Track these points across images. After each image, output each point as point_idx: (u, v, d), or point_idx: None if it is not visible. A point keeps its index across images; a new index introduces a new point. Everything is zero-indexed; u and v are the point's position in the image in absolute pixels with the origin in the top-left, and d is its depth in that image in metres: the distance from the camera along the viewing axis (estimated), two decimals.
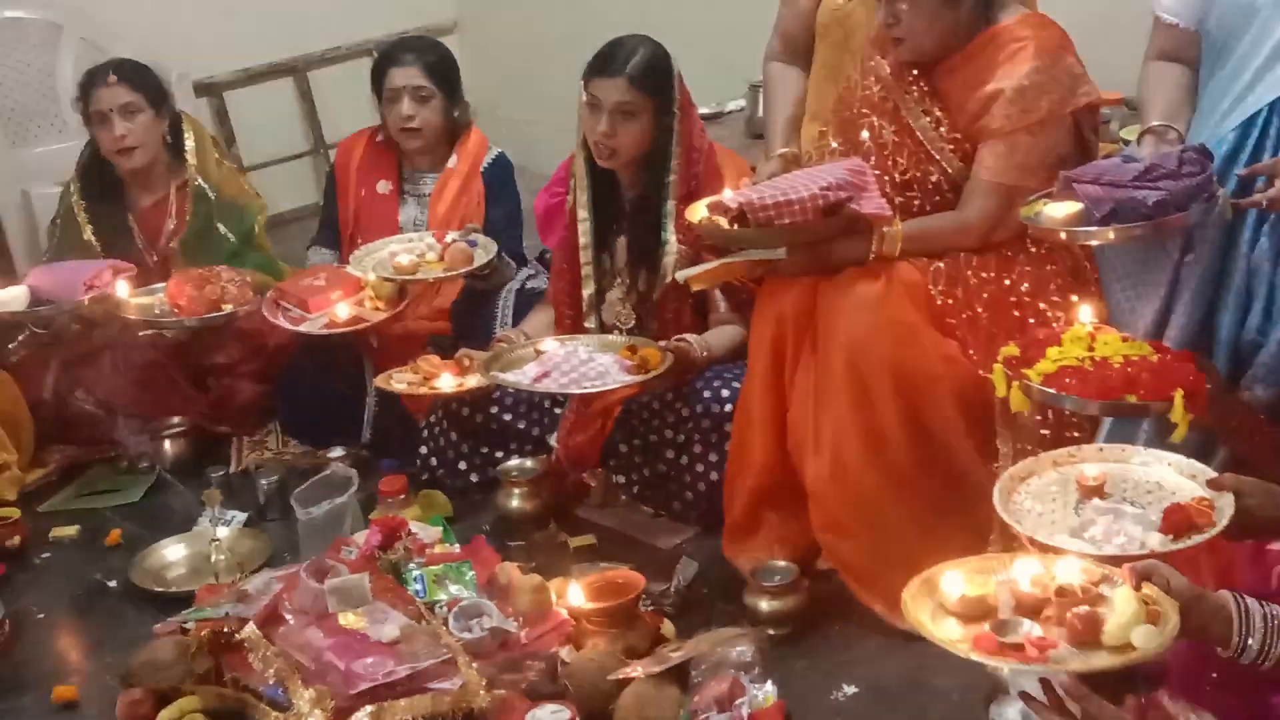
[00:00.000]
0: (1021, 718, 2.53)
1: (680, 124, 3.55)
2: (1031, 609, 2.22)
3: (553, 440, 3.74)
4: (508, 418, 3.80)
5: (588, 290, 3.70)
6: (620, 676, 2.79)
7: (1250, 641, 2.07)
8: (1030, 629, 2.16)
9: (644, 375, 3.35)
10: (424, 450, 3.87)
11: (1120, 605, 2.14)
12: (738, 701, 2.64)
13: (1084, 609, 2.14)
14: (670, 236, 3.57)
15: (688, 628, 3.05)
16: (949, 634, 2.19)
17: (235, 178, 4.58)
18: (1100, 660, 2.09)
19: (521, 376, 3.41)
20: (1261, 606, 2.10)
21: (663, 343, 3.47)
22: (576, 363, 3.42)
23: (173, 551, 3.63)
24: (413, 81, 4.20)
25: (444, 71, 4.25)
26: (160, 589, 3.47)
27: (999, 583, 2.27)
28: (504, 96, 6.35)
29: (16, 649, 3.33)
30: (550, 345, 3.52)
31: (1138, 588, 2.13)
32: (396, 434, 4.06)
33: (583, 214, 3.69)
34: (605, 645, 2.91)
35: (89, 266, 4.10)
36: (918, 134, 3.17)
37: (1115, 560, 2.25)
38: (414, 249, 4.07)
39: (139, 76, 4.28)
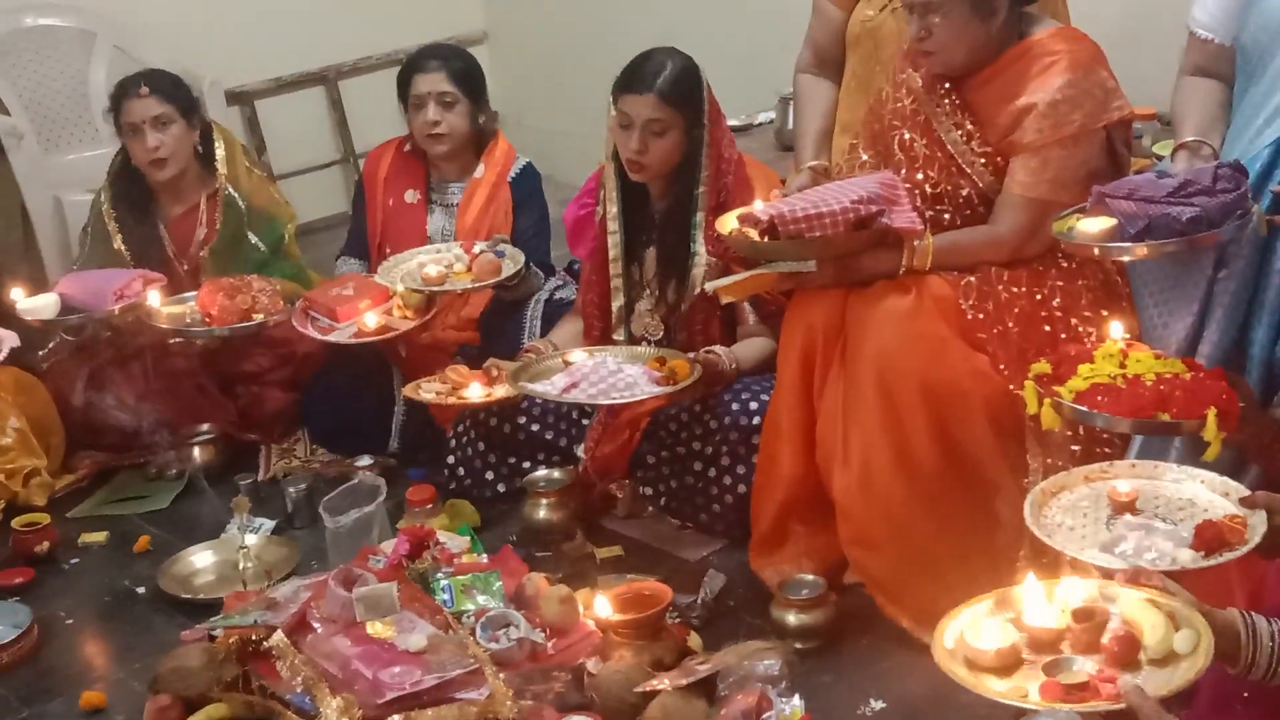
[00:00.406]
0: None
1: (710, 135, 3.55)
2: (1050, 644, 2.17)
3: (580, 451, 3.74)
4: (535, 428, 3.80)
5: (617, 303, 3.70)
6: (647, 688, 2.77)
7: (1259, 659, 2.06)
8: (1084, 664, 2.12)
9: (672, 387, 3.34)
10: (451, 460, 3.88)
11: (1142, 616, 2.13)
12: (765, 715, 2.62)
13: (1120, 629, 2.12)
14: (699, 248, 3.57)
15: (714, 640, 3.03)
16: (1005, 689, 2.12)
17: (266, 187, 4.59)
18: (1179, 677, 2.04)
19: (550, 387, 3.41)
20: (1269, 624, 2.09)
21: (691, 354, 3.46)
22: (605, 374, 3.42)
23: (201, 559, 3.64)
24: (438, 87, 4.21)
25: (469, 78, 4.26)
26: (188, 596, 3.49)
27: (1008, 623, 2.21)
28: (532, 106, 6.38)
29: (45, 654, 3.35)
30: (579, 356, 3.52)
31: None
32: (424, 444, 4.07)
33: (613, 226, 3.69)
34: (632, 657, 2.90)
35: (119, 275, 4.12)
36: (949, 147, 3.17)
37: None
38: (442, 260, 4.08)
39: (171, 88, 4.31)
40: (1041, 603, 2.22)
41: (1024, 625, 2.20)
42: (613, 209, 3.69)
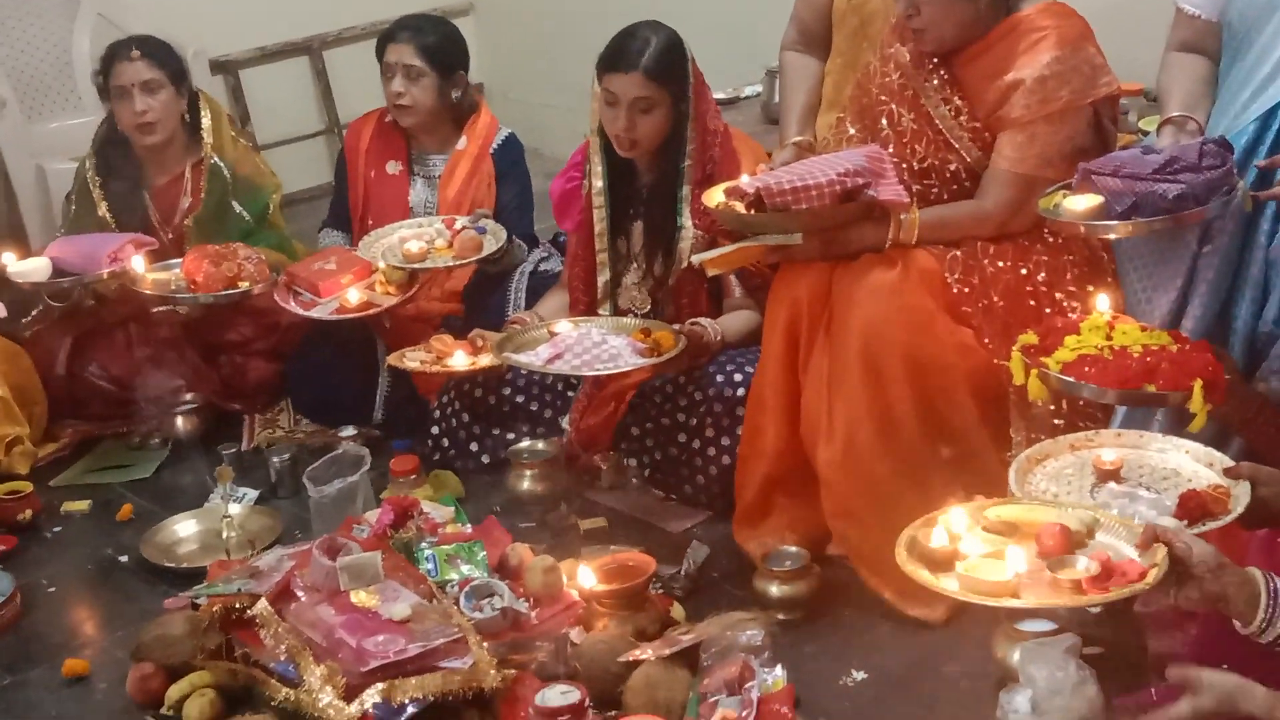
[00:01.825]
0: (1031, 705, 2.53)
1: (695, 109, 3.54)
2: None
3: (565, 422, 3.74)
4: (520, 399, 3.80)
5: (603, 277, 3.70)
6: (630, 658, 2.79)
7: (1276, 619, 2.07)
8: (1088, 563, 2.19)
9: (657, 358, 3.35)
10: (435, 431, 3.88)
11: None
12: (747, 685, 2.63)
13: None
14: (686, 221, 3.57)
15: (697, 611, 3.05)
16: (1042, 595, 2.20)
17: (251, 157, 4.57)
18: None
19: (534, 358, 3.41)
20: None
21: (676, 326, 3.46)
22: (589, 345, 3.42)
23: (184, 527, 3.63)
24: (404, 59, 4.20)
25: (441, 51, 4.24)
26: (171, 564, 3.48)
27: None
28: (518, 79, 6.37)
29: (27, 622, 3.35)
30: (564, 327, 3.52)
31: (1145, 547, 2.15)
32: (408, 415, 4.07)
33: (598, 200, 3.68)
34: (615, 627, 2.92)
35: (112, 239, 4.10)
36: (937, 122, 3.17)
37: None
38: (423, 235, 4.07)
39: (161, 53, 4.28)
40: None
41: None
42: (598, 183, 3.68)
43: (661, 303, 3.67)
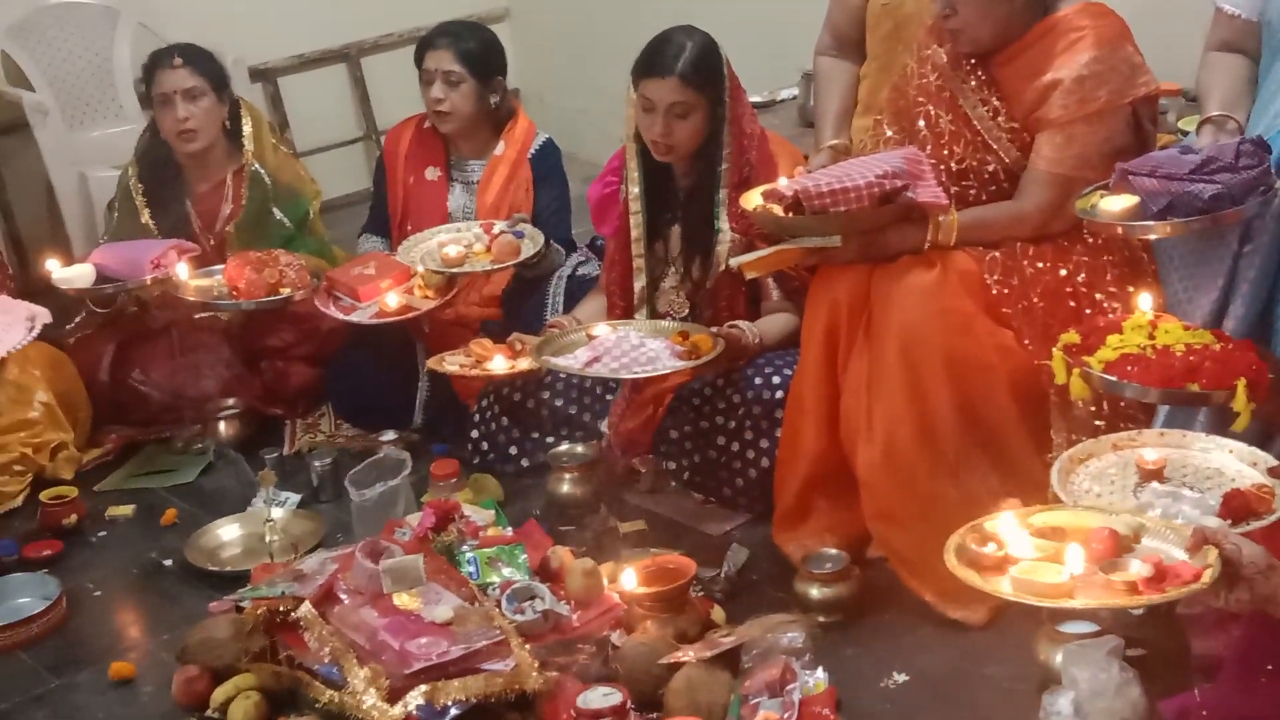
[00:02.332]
0: (1073, 707, 2.52)
1: (731, 112, 3.54)
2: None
3: (603, 426, 3.75)
4: (559, 403, 3.81)
5: (639, 283, 3.70)
6: (671, 661, 2.80)
7: None
8: (1139, 565, 2.20)
9: (694, 361, 3.35)
10: (475, 435, 3.90)
11: None
12: (789, 687, 2.64)
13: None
14: (723, 225, 3.57)
15: (738, 614, 3.05)
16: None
17: (292, 163, 4.60)
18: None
19: (573, 361, 3.42)
20: None
21: (714, 329, 3.47)
22: (627, 348, 3.43)
23: (227, 531, 3.67)
24: (443, 65, 4.22)
25: (478, 57, 4.25)
26: (215, 568, 3.51)
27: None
28: (554, 84, 6.39)
29: (73, 625, 3.38)
30: (602, 330, 3.53)
31: (1194, 549, 2.14)
32: (447, 419, 4.08)
33: (635, 206, 3.69)
34: (656, 630, 2.92)
35: (155, 245, 4.13)
36: (975, 123, 3.17)
37: None
38: (461, 240, 4.09)
39: (203, 61, 4.32)
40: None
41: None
42: (635, 189, 3.68)
43: (700, 306, 3.67)
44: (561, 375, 3.72)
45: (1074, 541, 2.28)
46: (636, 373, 3.37)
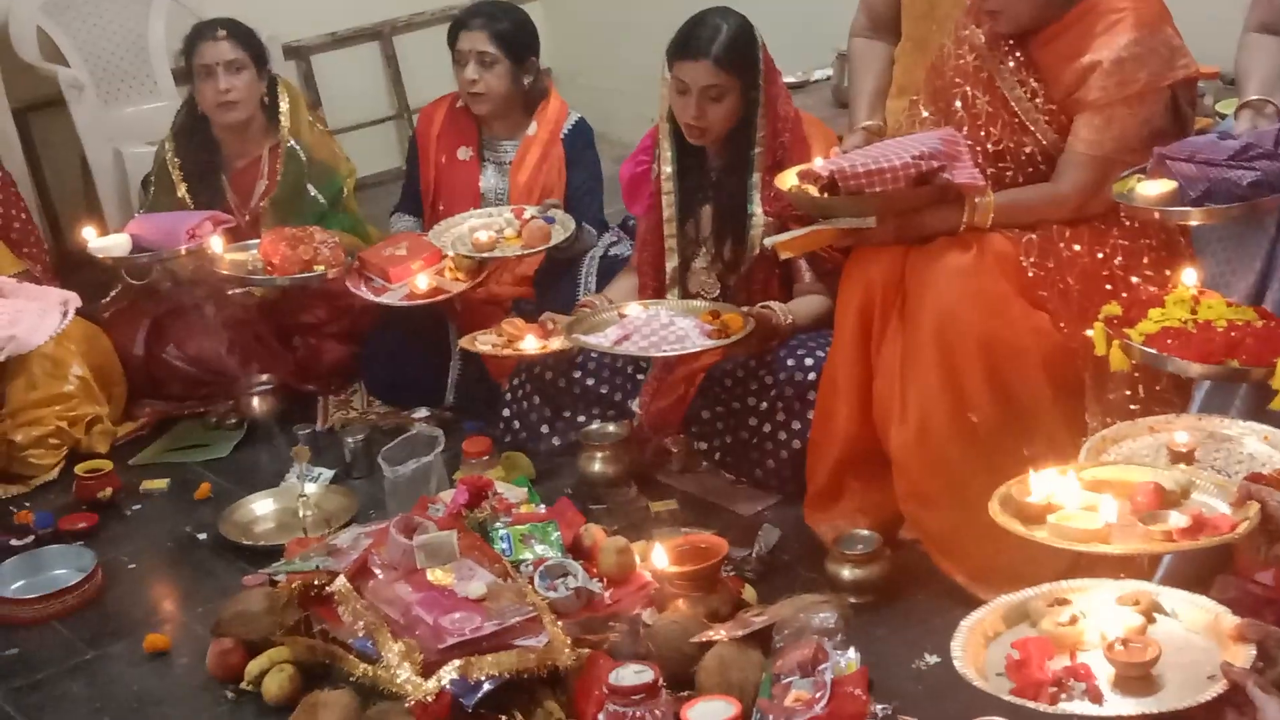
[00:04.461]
0: None
1: (765, 94, 3.54)
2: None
3: (635, 405, 3.76)
4: (590, 382, 3.82)
5: (671, 263, 3.71)
6: (703, 639, 2.81)
7: None
8: (1178, 517, 2.22)
9: (724, 340, 3.35)
10: (506, 413, 3.91)
11: None
12: (821, 667, 2.64)
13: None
14: (756, 208, 3.56)
15: (769, 594, 3.06)
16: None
17: (327, 141, 4.62)
18: None
19: (603, 339, 3.43)
20: None
21: (745, 309, 3.47)
22: (657, 326, 3.44)
23: (261, 506, 3.69)
24: (478, 46, 4.21)
25: (512, 38, 4.25)
26: (249, 542, 3.54)
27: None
28: (586, 64, 6.38)
29: (109, 598, 3.42)
30: (634, 310, 3.54)
31: (1239, 504, 2.16)
32: (479, 397, 4.10)
33: (667, 186, 3.69)
34: (688, 608, 2.93)
35: (191, 216, 4.16)
36: (1012, 104, 3.15)
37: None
38: (492, 224, 4.10)
39: (245, 35, 4.35)
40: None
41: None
42: (667, 169, 3.68)
43: (733, 289, 3.67)
44: (593, 354, 3.73)
45: (1121, 495, 2.30)
46: (666, 351, 3.37)
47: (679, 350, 3.37)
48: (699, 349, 3.37)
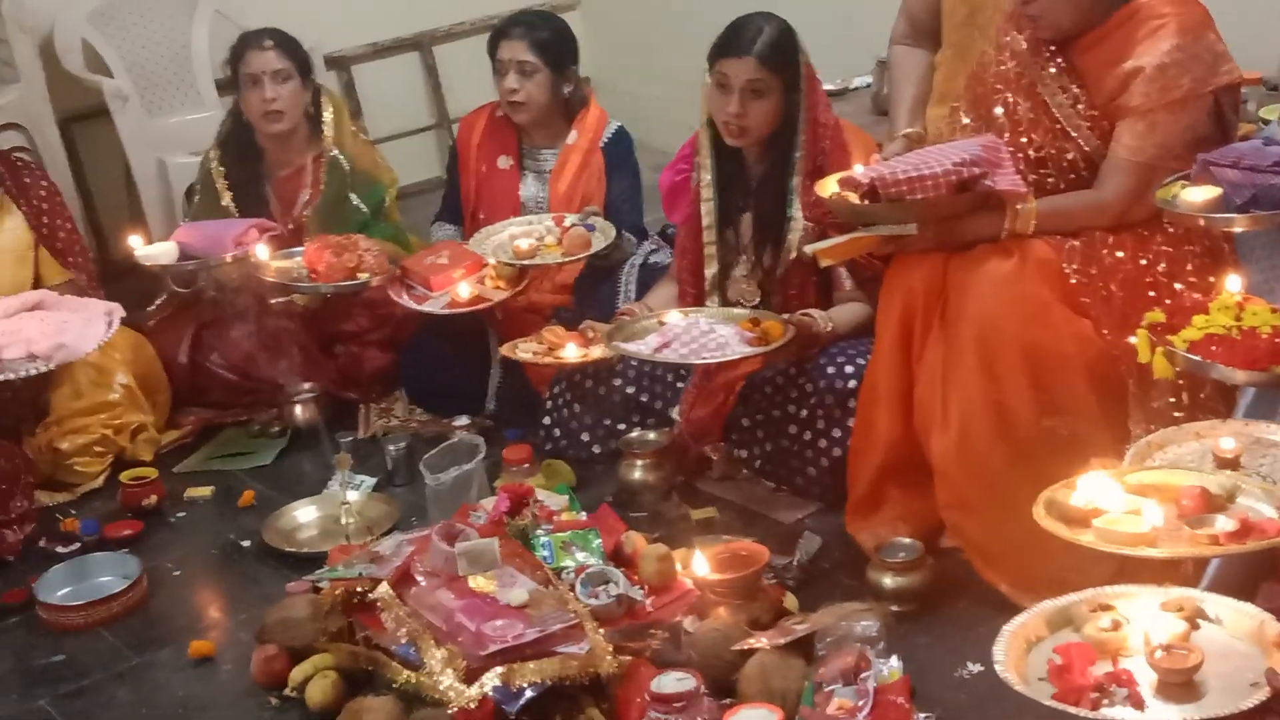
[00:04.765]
0: None
1: (806, 100, 3.55)
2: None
3: (675, 413, 3.76)
4: (630, 390, 3.83)
5: (711, 270, 3.71)
6: (745, 647, 2.81)
7: None
8: (1225, 521, 2.22)
9: (764, 347, 3.35)
10: (547, 421, 3.92)
11: None
12: (863, 675, 2.64)
13: None
14: (796, 212, 3.57)
15: (810, 602, 3.05)
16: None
17: (369, 150, 4.65)
18: None
19: (643, 347, 3.44)
20: None
21: (786, 316, 3.47)
22: (696, 334, 3.44)
23: (304, 513, 3.72)
24: (518, 55, 4.23)
25: (552, 47, 4.27)
26: (292, 549, 3.56)
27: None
28: (625, 72, 6.39)
29: (154, 604, 3.44)
30: (674, 317, 3.54)
31: None
32: (520, 405, 4.11)
33: (707, 193, 3.69)
34: (729, 616, 2.93)
35: (237, 224, 4.19)
36: (1054, 111, 3.14)
37: None
38: (533, 232, 4.12)
39: (291, 46, 4.39)
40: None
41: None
42: (707, 176, 3.69)
43: (770, 294, 3.67)
44: (634, 362, 3.74)
45: (1166, 499, 2.30)
46: (706, 359, 3.38)
47: (719, 358, 3.37)
48: (739, 356, 3.37)
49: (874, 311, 3.38)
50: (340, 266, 4.00)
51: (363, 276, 4.03)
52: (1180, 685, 2.15)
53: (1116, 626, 2.27)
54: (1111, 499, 2.35)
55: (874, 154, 3.52)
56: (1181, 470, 2.42)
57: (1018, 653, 2.27)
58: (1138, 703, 2.13)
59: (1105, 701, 2.13)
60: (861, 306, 3.56)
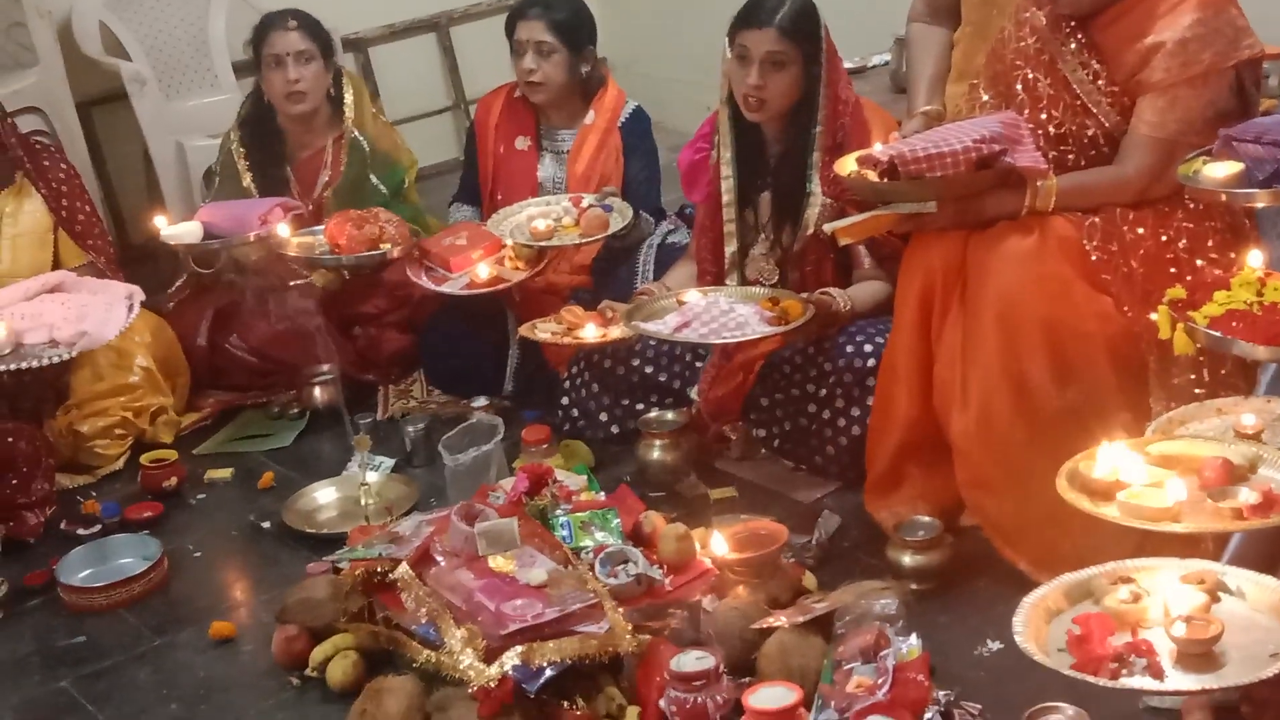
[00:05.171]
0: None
1: (827, 75, 3.53)
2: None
3: (693, 393, 3.75)
4: (648, 370, 3.82)
5: (730, 248, 3.70)
6: (764, 625, 2.81)
7: None
8: (1248, 493, 2.22)
9: (784, 326, 3.35)
10: (565, 402, 3.92)
11: None
12: (883, 653, 2.63)
13: None
14: (815, 188, 3.56)
15: (830, 581, 3.06)
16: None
17: (389, 132, 4.66)
18: None
19: (662, 326, 3.43)
20: None
21: (805, 295, 3.46)
22: (716, 313, 3.43)
23: (323, 495, 3.73)
24: (535, 35, 4.23)
25: (570, 27, 4.26)
26: (312, 530, 3.57)
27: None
28: (642, 53, 6.37)
29: (175, 585, 3.46)
30: (693, 296, 3.54)
31: None
32: (538, 386, 4.12)
33: (726, 171, 3.68)
34: (748, 595, 2.93)
35: (260, 204, 4.20)
36: (1074, 87, 3.11)
37: None
38: (550, 213, 4.12)
39: (314, 27, 4.40)
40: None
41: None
42: (726, 154, 3.68)
43: (787, 270, 3.66)
44: (652, 342, 3.74)
45: (1188, 470, 2.30)
46: (726, 338, 3.37)
47: (739, 337, 3.37)
48: (759, 335, 3.36)
49: (893, 290, 3.36)
50: (362, 238, 4.00)
51: (384, 247, 4.03)
52: (1199, 656, 2.14)
53: (1136, 599, 2.27)
54: (1133, 470, 2.34)
55: (892, 131, 3.50)
56: (1202, 440, 2.41)
57: (1038, 624, 2.26)
58: (1157, 673, 2.13)
59: (1124, 671, 2.13)
60: (881, 285, 3.55)
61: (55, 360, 3.76)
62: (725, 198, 3.69)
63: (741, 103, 3.55)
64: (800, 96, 3.54)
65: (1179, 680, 2.11)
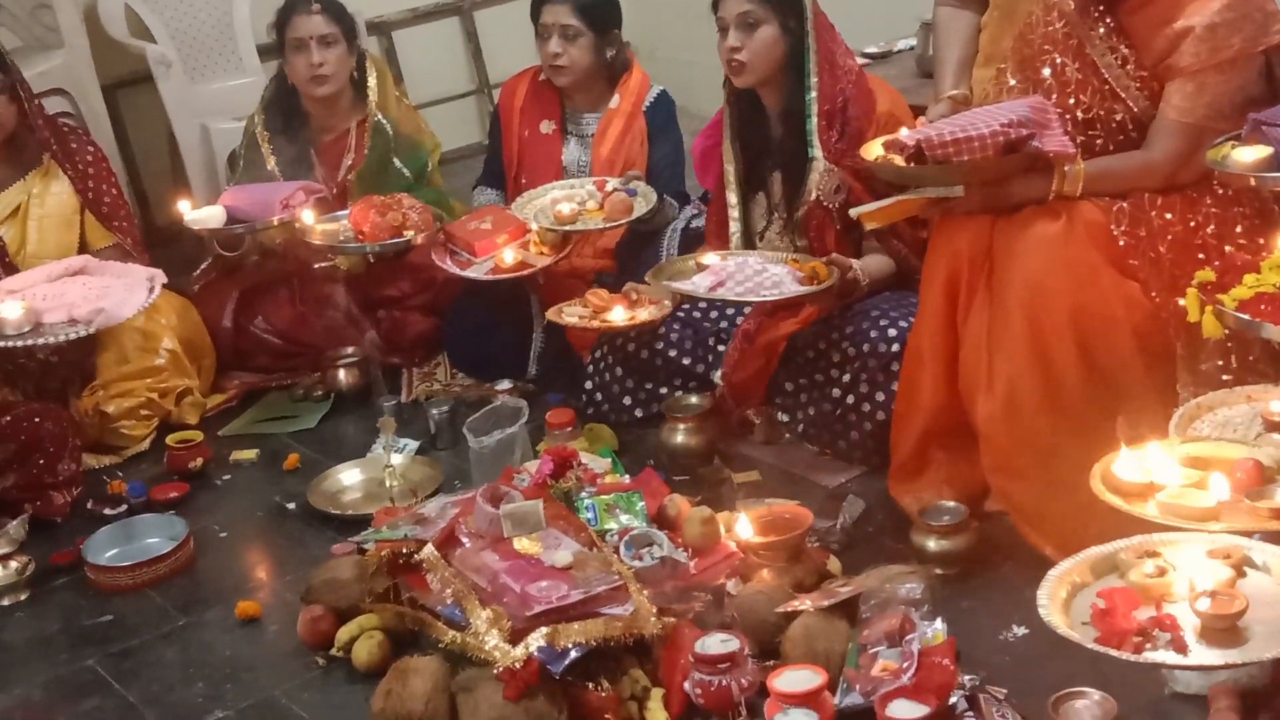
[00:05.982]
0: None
1: (816, 40, 3.54)
2: None
3: (717, 377, 3.76)
4: (672, 354, 3.82)
5: (734, 229, 3.72)
6: (789, 609, 2.82)
7: None
8: None
9: (817, 286, 3.38)
10: (589, 385, 3.92)
11: None
12: (908, 637, 2.63)
13: None
14: (816, 152, 3.56)
15: (854, 565, 3.06)
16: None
17: (413, 116, 4.67)
18: None
19: (695, 286, 3.44)
20: None
21: (823, 258, 3.48)
22: (750, 273, 3.46)
23: (348, 476, 3.74)
24: (560, 19, 4.23)
25: (595, 10, 4.26)
26: (337, 511, 3.58)
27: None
28: (665, 37, 6.35)
29: (200, 566, 3.48)
30: (711, 259, 3.56)
31: None
32: (562, 369, 4.12)
33: (727, 153, 3.70)
34: (773, 579, 2.93)
35: (284, 187, 4.21)
36: (1102, 71, 3.09)
37: None
38: (575, 196, 4.12)
39: (338, 10, 4.41)
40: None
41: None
42: (729, 134, 3.72)
43: (793, 236, 3.68)
44: (675, 326, 3.75)
45: (1218, 471, 2.29)
46: (764, 296, 3.40)
47: (776, 295, 3.40)
48: (795, 294, 3.39)
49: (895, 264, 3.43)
50: (386, 225, 4.01)
51: (408, 233, 4.04)
52: (1223, 631, 2.14)
53: (1161, 573, 2.27)
54: (1165, 471, 2.33)
55: (904, 105, 3.50)
56: (1228, 442, 2.40)
57: (1063, 597, 2.26)
58: (1180, 647, 2.13)
59: (1148, 645, 2.13)
60: (886, 258, 3.58)
61: (72, 337, 3.73)
62: (727, 175, 3.72)
63: (726, 69, 3.58)
64: (785, 56, 3.55)
65: (1202, 655, 2.11)
